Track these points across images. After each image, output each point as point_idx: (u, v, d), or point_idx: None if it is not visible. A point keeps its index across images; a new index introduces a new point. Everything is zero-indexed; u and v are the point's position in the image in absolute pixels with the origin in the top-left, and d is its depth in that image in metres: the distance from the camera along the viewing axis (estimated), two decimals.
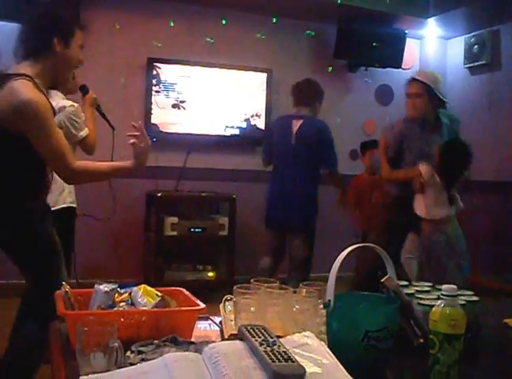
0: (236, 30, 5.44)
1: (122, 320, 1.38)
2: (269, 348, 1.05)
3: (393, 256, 1.42)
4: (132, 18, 5.13)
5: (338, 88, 5.82)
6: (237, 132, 5.44)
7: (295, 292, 1.48)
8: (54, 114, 2.29)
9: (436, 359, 1.20)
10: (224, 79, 5.37)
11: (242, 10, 5.35)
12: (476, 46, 5.62)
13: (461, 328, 1.19)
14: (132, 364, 1.15)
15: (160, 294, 1.57)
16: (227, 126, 5.40)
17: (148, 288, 1.59)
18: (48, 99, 2.18)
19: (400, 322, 1.37)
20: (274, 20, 5.46)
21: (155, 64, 5.17)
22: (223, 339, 1.44)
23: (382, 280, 1.39)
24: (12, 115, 2.06)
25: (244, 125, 5.46)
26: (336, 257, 1.30)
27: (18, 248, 2.28)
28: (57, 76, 2.31)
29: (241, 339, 1.12)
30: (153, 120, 5.14)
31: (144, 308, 1.51)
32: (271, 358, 1.02)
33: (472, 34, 5.67)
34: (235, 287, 1.46)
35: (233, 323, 1.47)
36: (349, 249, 1.30)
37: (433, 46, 6.14)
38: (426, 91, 3.62)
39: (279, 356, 1.03)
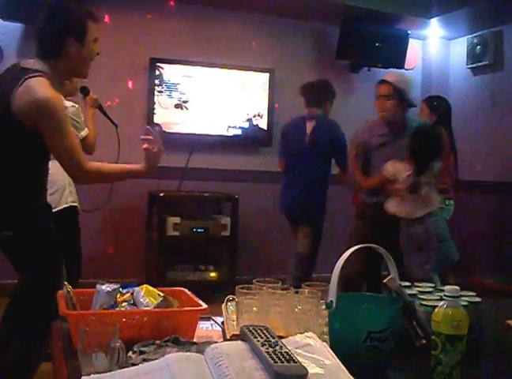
0: (239, 30, 5.44)
1: (124, 320, 1.38)
2: (271, 349, 1.05)
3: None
4: (134, 18, 5.13)
5: (341, 88, 5.81)
6: (239, 132, 5.44)
7: (297, 293, 1.48)
8: None
9: (438, 360, 1.19)
10: (226, 79, 5.37)
11: (244, 10, 5.36)
12: (478, 47, 5.61)
13: (463, 328, 1.19)
14: (134, 364, 1.15)
15: (162, 294, 1.56)
16: (229, 126, 5.40)
17: (150, 288, 1.59)
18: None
19: (403, 323, 1.36)
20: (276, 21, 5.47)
21: (157, 64, 5.18)
22: (225, 339, 1.44)
23: (385, 281, 1.39)
24: (29, 112, 2.09)
25: (246, 125, 5.46)
26: (339, 258, 1.30)
27: (22, 247, 2.27)
28: (74, 73, 2.38)
29: (243, 340, 1.12)
30: (156, 120, 5.15)
31: (146, 308, 1.51)
32: (273, 359, 1.02)
33: (475, 34, 5.66)
34: (237, 288, 1.46)
35: (235, 323, 1.47)
36: (351, 250, 1.30)
37: (436, 47, 6.13)
38: (395, 93, 3.58)
39: (281, 357, 1.03)
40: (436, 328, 1.20)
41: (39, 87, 2.10)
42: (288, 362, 1.02)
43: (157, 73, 5.18)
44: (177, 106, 5.25)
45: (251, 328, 1.14)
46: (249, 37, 5.48)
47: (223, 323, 1.57)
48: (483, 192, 5.45)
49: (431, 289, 1.66)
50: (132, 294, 1.57)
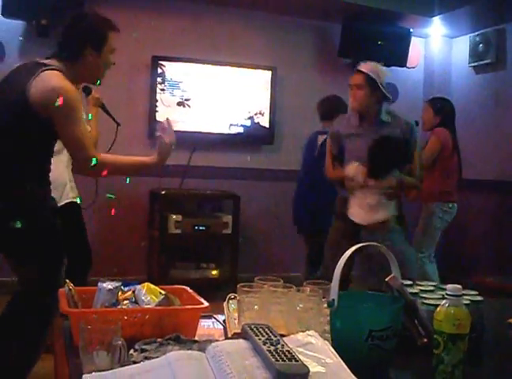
0: (241, 28, 5.43)
1: (126, 318, 1.39)
2: (272, 347, 1.05)
3: None
4: (136, 16, 5.12)
5: (342, 86, 5.79)
6: (241, 130, 5.43)
7: (298, 291, 1.48)
8: None
9: (440, 359, 1.19)
10: (228, 77, 5.37)
11: (246, 8, 5.35)
12: (481, 45, 5.60)
13: (465, 327, 1.19)
14: (135, 362, 1.15)
15: (163, 292, 1.57)
16: (231, 124, 5.39)
17: (152, 286, 1.59)
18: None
19: (405, 322, 1.36)
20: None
21: (160, 62, 5.17)
22: (226, 337, 1.44)
23: (387, 279, 1.39)
24: (43, 99, 2.12)
25: (248, 123, 5.45)
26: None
27: (25, 241, 2.24)
28: (86, 79, 2.47)
29: (244, 338, 1.12)
30: (158, 118, 5.14)
31: (148, 306, 1.51)
32: (275, 357, 1.02)
33: (478, 33, 5.64)
34: (238, 286, 1.46)
35: (237, 321, 1.47)
36: (353, 248, 1.30)
37: (438, 45, 6.12)
38: (367, 83, 3.46)
39: (282, 355, 1.03)
40: (438, 326, 1.20)
41: (55, 77, 2.17)
42: (290, 360, 1.02)
43: (159, 71, 5.17)
44: (179, 104, 5.25)
45: (253, 327, 1.14)
46: (251, 35, 5.47)
47: (224, 321, 1.57)
48: (484, 191, 5.44)
49: (432, 288, 1.66)
50: (133, 292, 1.57)
